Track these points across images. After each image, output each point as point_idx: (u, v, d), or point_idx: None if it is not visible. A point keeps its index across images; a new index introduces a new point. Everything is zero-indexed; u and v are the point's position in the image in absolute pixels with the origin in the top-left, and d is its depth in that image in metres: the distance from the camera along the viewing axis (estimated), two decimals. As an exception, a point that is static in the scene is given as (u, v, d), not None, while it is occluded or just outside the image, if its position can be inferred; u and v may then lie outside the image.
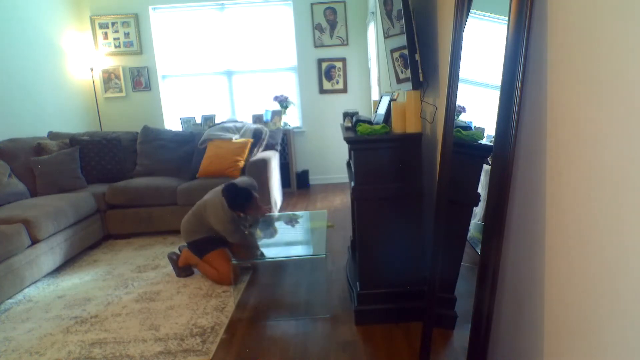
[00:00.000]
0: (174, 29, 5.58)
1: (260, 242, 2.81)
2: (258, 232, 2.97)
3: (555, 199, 1.09)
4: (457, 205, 1.76)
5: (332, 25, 5.51)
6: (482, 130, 1.62)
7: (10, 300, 2.75)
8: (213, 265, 2.77)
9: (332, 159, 5.79)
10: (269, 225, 3.14)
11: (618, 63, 0.82)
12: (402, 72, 2.33)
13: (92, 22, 5.43)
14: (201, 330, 2.23)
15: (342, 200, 4.82)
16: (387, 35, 2.51)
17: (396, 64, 2.41)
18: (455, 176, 1.66)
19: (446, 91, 1.62)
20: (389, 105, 2.35)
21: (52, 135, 4.32)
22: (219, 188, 2.77)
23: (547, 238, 1.14)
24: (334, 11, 5.48)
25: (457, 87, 1.59)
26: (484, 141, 1.58)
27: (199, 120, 5.45)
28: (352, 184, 2.22)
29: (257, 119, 5.39)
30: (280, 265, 3.05)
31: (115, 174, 4.21)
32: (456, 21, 1.58)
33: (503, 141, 1.26)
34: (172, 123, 5.72)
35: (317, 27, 5.51)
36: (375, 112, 2.74)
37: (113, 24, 5.44)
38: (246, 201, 2.69)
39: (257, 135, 4.34)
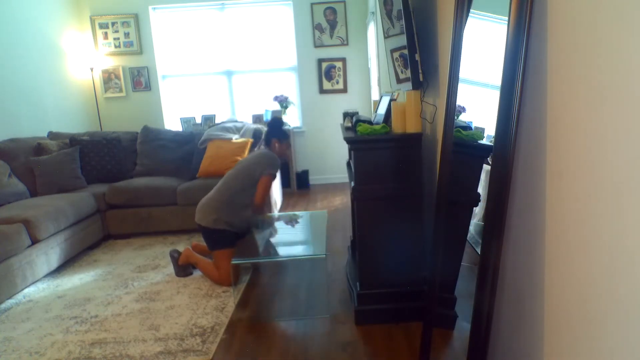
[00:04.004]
0: (174, 29, 5.58)
1: (260, 243, 2.81)
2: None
3: (555, 199, 1.09)
4: (457, 205, 1.76)
5: (332, 25, 5.51)
6: (482, 130, 1.62)
7: (10, 300, 2.75)
8: (218, 264, 2.76)
9: (332, 159, 5.79)
10: (269, 225, 3.14)
11: (618, 62, 0.82)
12: (402, 72, 2.33)
13: (92, 22, 5.43)
14: (201, 330, 2.23)
15: (342, 200, 4.82)
16: (387, 35, 2.51)
17: (396, 64, 2.41)
18: (455, 176, 1.66)
19: (446, 91, 1.62)
20: (389, 105, 2.35)
21: (52, 135, 4.32)
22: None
23: (547, 238, 1.14)
24: (334, 11, 5.48)
25: (457, 87, 1.59)
26: (484, 141, 1.58)
27: (199, 120, 5.45)
28: (352, 184, 2.22)
29: (257, 119, 5.38)
30: (280, 265, 3.05)
31: (115, 174, 4.21)
32: (456, 21, 1.58)
33: (503, 141, 1.26)
34: (172, 123, 5.72)
35: (317, 27, 5.51)
36: (375, 112, 2.74)
37: (113, 24, 5.44)
38: (282, 137, 3.01)
39: (257, 135, 4.34)
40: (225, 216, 2.76)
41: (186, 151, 4.38)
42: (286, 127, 3.18)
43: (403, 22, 2.08)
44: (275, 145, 2.98)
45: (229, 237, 2.77)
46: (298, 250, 2.71)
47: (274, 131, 3.00)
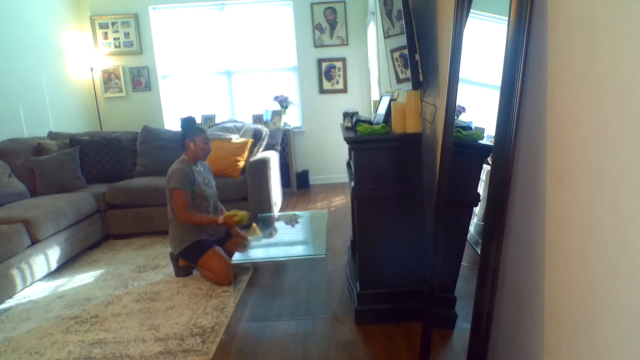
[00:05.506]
0: (174, 29, 5.58)
1: (260, 242, 2.81)
2: (257, 231, 2.97)
3: (555, 199, 1.09)
4: (457, 205, 1.76)
5: (332, 25, 5.51)
6: (482, 130, 1.62)
7: (10, 300, 2.75)
8: (209, 267, 2.78)
9: (332, 159, 5.79)
10: (269, 225, 3.14)
11: (618, 62, 0.82)
12: (402, 72, 2.33)
13: (92, 22, 5.43)
14: (201, 330, 2.23)
15: (342, 200, 4.83)
16: (387, 35, 2.51)
17: (396, 64, 2.41)
18: (455, 176, 1.66)
19: (446, 91, 1.62)
20: (389, 105, 2.35)
21: (52, 135, 4.32)
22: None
23: (547, 238, 1.14)
24: (334, 11, 5.48)
25: (457, 87, 1.59)
26: (484, 141, 1.58)
27: (199, 120, 5.45)
28: (352, 184, 2.22)
29: (257, 119, 5.39)
30: (280, 265, 3.05)
31: (115, 174, 4.21)
32: (456, 21, 1.58)
33: (503, 141, 1.26)
34: (172, 123, 5.72)
35: (317, 27, 5.51)
36: (375, 112, 2.74)
37: (113, 24, 5.44)
38: (196, 132, 2.90)
39: (257, 135, 4.34)
40: (183, 234, 2.83)
41: (186, 151, 4.38)
42: (198, 124, 3.04)
43: (403, 22, 2.08)
44: (191, 146, 2.89)
45: (203, 243, 2.81)
46: (298, 250, 2.71)
47: (186, 132, 2.91)
